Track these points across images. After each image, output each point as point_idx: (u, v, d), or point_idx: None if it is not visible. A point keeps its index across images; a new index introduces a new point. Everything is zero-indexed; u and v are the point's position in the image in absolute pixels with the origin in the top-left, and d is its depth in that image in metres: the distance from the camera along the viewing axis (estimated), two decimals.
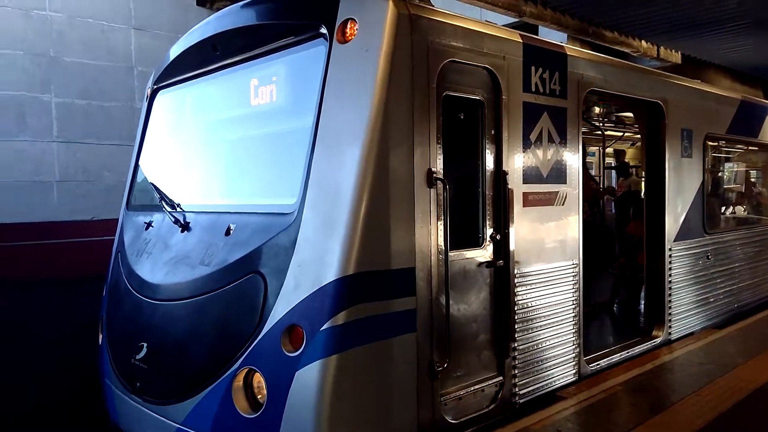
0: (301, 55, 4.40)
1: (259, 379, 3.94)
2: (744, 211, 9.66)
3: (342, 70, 3.97)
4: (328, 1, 4.17)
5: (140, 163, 6.04)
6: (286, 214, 4.06)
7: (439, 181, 4.11)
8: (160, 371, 4.54)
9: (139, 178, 6.00)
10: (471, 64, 4.44)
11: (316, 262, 3.80)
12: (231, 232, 4.47)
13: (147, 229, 5.39)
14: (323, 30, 4.11)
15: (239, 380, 3.98)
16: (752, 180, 10.12)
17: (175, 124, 5.82)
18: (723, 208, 8.90)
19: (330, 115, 3.97)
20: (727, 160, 9.24)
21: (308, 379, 3.67)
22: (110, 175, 16.13)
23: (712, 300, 7.49)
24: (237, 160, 5.10)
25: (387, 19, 3.88)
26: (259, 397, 3.97)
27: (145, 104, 6.13)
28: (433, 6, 4.36)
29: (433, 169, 4.09)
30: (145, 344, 4.67)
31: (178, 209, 5.12)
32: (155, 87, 6.00)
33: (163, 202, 5.22)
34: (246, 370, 3.96)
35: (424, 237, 4.07)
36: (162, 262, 4.93)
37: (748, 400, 4.89)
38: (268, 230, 4.16)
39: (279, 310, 3.87)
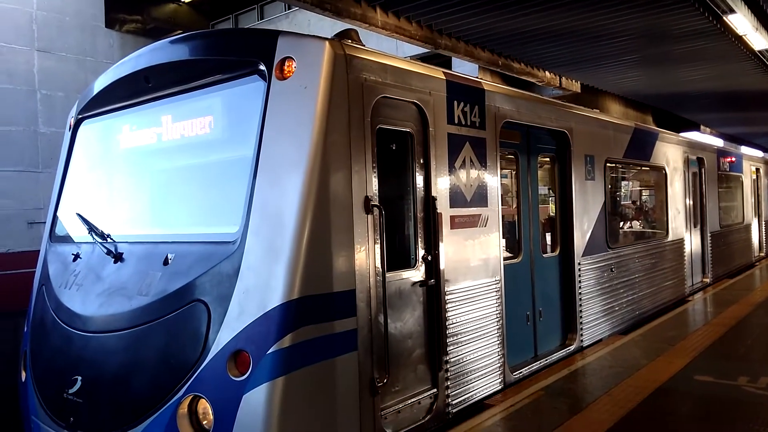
0: (239, 89, 4.57)
1: (204, 405, 4.00)
2: (640, 226, 10.65)
3: (282, 104, 4.19)
4: (266, 40, 4.40)
5: (64, 193, 5.90)
6: (229, 242, 4.19)
7: (375, 207, 4.39)
8: (98, 404, 4.47)
9: (63, 209, 5.86)
10: (401, 100, 4.79)
11: (261, 288, 3.95)
12: (169, 261, 4.52)
13: (75, 260, 5.29)
14: (262, 67, 4.32)
15: (184, 407, 4.02)
16: (645, 198, 11.18)
17: (103, 154, 5.75)
18: (622, 225, 9.79)
19: (271, 146, 4.17)
20: (624, 181, 10.19)
21: (256, 401, 3.79)
22: (10, 203, 15.20)
23: (617, 309, 8.22)
24: (173, 191, 5.15)
25: (324, 58, 4.15)
26: (204, 423, 4.03)
27: (68, 134, 6.02)
28: (366, 47, 4.69)
29: (369, 196, 4.37)
30: (80, 378, 4.57)
31: (110, 240, 5.08)
32: (80, 117, 5.92)
33: (93, 233, 5.15)
34: (191, 397, 4.01)
35: (363, 260, 4.32)
36: (94, 294, 4.86)
37: (653, 396, 5.46)
38: (209, 258, 4.25)
39: (224, 337, 3.97)
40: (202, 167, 4.91)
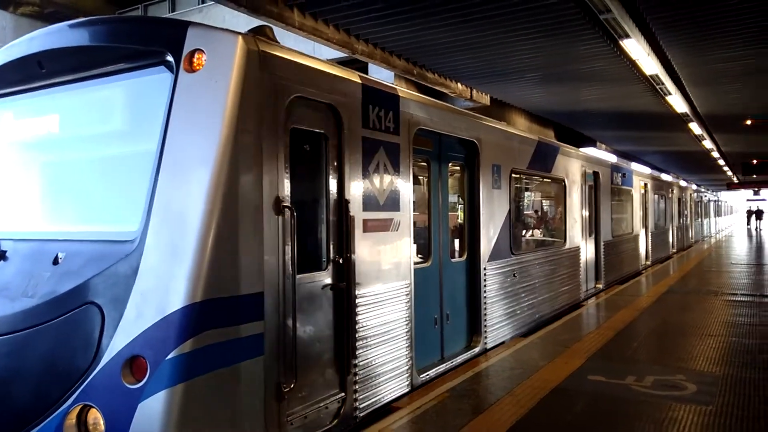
0: (143, 80, 4.35)
1: (95, 415, 3.75)
2: (540, 234, 11.19)
3: (189, 98, 4.02)
4: (175, 30, 4.21)
5: None
6: (127, 241, 3.96)
7: (286, 209, 4.30)
8: None
9: None
10: (315, 101, 4.74)
11: (161, 291, 3.75)
12: (60, 260, 4.21)
13: None
14: (169, 58, 4.12)
15: (72, 418, 3.76)
16: (546, 208, 11.77)
17: None
18: (525, 233, 10.24)
19: (176, 142, 3.98)
20: (528, 191, 10.67)
21: (152, 410, 3.59)
22: None
23: (518, 312, 8.57)
24: (66, 185, 4.80)
25: (236, 52, 4.02)
26: None
27: None
28: (281, 44, 4.60)
29: (281, 196, 4.27)
30: None
31: None
32: None
33: None
34: (80, 406, 3.75)
35: (272, 262, 4.21)
36: None
37: (550, 396, 5.72)
38: (104, 258, 4.00)
39: (118, 342, 3.74)
40: (100, 161, 4.61)
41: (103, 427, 3.68)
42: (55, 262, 4.21)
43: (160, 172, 3.95)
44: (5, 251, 4.55)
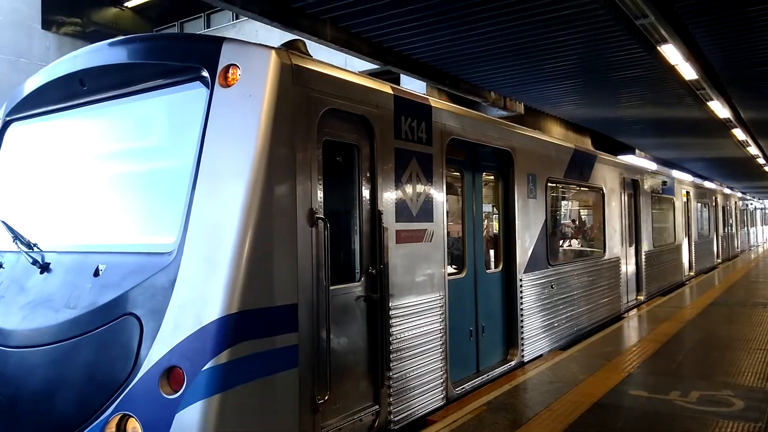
0: (180, 96, 4.44)
1: (133, 425, 3.81)
2: (579, 244, 10.96)
3: (225, 112, 4.08)
4: (210, 46, 4.30)
5: None
6: (165, 253, 4.03)
7: (320, 220, 4.32)
8: (19, 424, 4.18)
9: None
10: (348, 113, 4.76)
11: (198, 302, 3.80)
12: (100, 272, 4.31)
13: None
14: (204, 73, 4.21)
15: (111, 427, 3.82)
16: (584, 217, 11.54)
17: (33, 159, 5.45)
18: (562, 243, 10.05)
19: (212, 155, 4.05)
20: (564, 200, 10.49)
21: (189, 420, 3.63)
22: None
23: (556, 325, 8.39)
24: (106, 199, 4.92)
25: (270, 67, 4.08)
26: None
27: None
28: (313, 58, 4.64)
29: (314, 208, 4.29)
30: None
31: (36, 249, 4.82)
32: (7, 119, 5.61)
33: (18, 242, 4.86)
34: (119, 415, 3.82)
35: (306, 273, 4.23)
36: (17, 306, 4.58)
37: (590, 411, 5.56)
38: (143, 270, 4.08)
39: (156, 352, 3.80)
40: (139, 175, 4.73)
41: None
42: (96, 274, 4.32)
43: (197, 185, 4.02)
44: (49, 263, 4.68)
